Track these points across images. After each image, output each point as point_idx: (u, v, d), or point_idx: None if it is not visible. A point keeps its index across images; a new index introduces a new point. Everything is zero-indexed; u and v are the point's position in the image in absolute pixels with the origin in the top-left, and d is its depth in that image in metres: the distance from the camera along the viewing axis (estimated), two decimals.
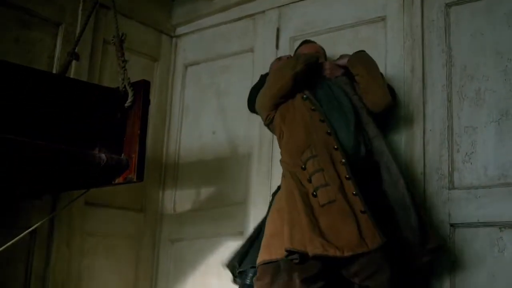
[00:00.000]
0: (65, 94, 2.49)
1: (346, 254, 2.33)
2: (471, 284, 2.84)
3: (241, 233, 3.57)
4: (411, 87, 3.19)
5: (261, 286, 2.54)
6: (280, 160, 2.83)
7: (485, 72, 3.01)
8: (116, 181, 2.59)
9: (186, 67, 4.34)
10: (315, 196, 2.50)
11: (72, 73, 3.47)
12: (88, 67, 3.67)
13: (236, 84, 4.02)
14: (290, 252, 2.40)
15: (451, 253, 2.90)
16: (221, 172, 3.96)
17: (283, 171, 2.77)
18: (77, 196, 2.88)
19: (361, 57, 2.98)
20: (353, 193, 2.49)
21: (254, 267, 2.73)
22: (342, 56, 3.09)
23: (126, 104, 2.62)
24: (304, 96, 2.84)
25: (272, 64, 3.35)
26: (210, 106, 4.14)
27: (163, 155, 4.28)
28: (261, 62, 3.85)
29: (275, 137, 3.64)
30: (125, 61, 2.72)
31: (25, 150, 2.21)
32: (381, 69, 3.28)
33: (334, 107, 2.82)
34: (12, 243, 2.62)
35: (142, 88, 2.67)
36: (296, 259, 2.39)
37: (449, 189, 2.98)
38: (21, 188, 2.93)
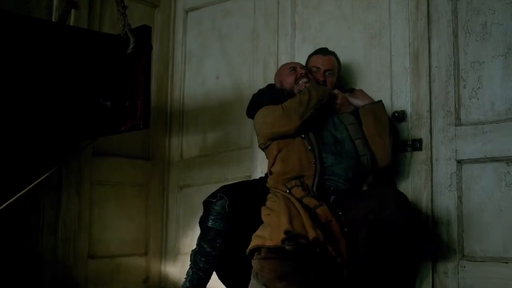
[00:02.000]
0: (66, 42, 2.46)
1: None
2: (479, 219, 2.86)
3: (248, 177, 3.59)
4: (416, 23, 3.13)
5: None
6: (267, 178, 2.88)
7: (492, 6, 2.94)
8: (123, 128, 2.58)
9: (186, 12, 4.27)
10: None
11: (71, 23, 3.44)
12: (87, 16, 3.62)
13: (238, 27, 3.97)
14: (286, 238, 2.31)
15: (458, 189, 2.92)
16: (226, 117, 3.96)
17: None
18: (85, 146, 2.88)
19: (375, 110, 2.90)
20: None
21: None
22: (356, 93, 3.02)
23: (128, 50, 2.59)
24: (303, 135, 2.81)
25: (279, 70, 3.25)
26: (212, 51, 4.10)
27: (167, 103, 4.27)
28: (263, 4, 3.79)
29: None
30: (124, 7, 2.67)
31: (29, 99, 2.20)
32: (385, 6, 3.26)
33: (336, 152, 2.80)
34: (22, 194, 2.64)
35: (144, 33, 2.64)
36: (292, 245, 2.31)
37: (456, 125, 2.97)
38: (28, 138, 2.93)
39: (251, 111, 3.01)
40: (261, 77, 3.74)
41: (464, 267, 2.87)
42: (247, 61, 3.87)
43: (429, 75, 3.07)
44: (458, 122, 2.97)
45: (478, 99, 2.93)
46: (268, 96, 2.99)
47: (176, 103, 4.25)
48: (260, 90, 3.16)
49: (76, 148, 3.13)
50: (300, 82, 3.00)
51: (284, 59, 3.63)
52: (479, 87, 2.94)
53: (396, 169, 3.12)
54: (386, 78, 3.23)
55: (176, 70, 4.29)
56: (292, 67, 3.10)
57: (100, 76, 2.55)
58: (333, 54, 3.17)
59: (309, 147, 2.75)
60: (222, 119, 3.98)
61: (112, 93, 2.54)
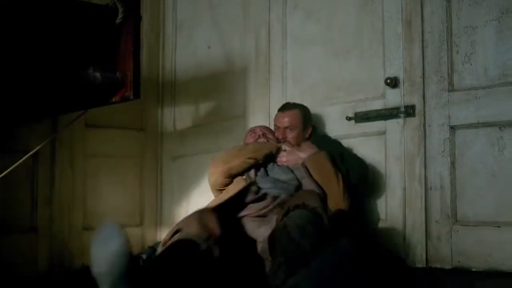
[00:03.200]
0: (54, 13, 2.42)
1: None
2: (472, 184, 2.87)
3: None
4: None
5: None
6: None
7: None
8: (113, 99, 2.57)
9: None
10: None
11: None
12: None
13: None
14: None
15: (451, 155, 2.93)
16: (218, 86, 3.94)
17: None
18: (76, 117, 2.87)
19: (317, 160, 2.90)
20: None
21: None
22: (302, 146, 3.02)
23: (117, 21, 2.56)
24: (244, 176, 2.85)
25: (245, 134, 3.30)
26: (203, 20, 4.06)
27: (159, 73, 4.25)
28: None
29: (271, 48, 3.63)
30: None
31: (18, 71, 2.17)
32: None
33: (275, 182, 2.81)
34: (16, 167, 2.63)
35: (133, 3, 2.60)
36: None
37: (449, 91, 2.96)
38: (19, 111, 2.91)
39: None
40: (253, 46, 3.71)
41: (457, 232, 2.89)
42: (238, 30, 3.83)
43: (422, 41, 3.04)
44: (451, 88, 2.96)
45: (471, 64, 2.92)
46: None
47: (168, 74, 4.22)
48: None
49: (67, 120, 3.10)
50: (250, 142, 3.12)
51: (276, 27, 3.61)
52: (472, 52, 2.92)
53: (389, 136, 3.12)
54: (379, 44, 3.21)
55: (167, 40, 4.25)
56: (252, 130, 3.23)
57: (89, 47, 2.52)
58: (296, 107, 3.20)
59: (248, 181, 2.79)
60: (214, 89, 3.96)
61: (102, 64, 2.51)
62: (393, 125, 3.11)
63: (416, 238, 2.97)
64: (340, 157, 2.96)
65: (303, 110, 3.22)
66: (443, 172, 2.94)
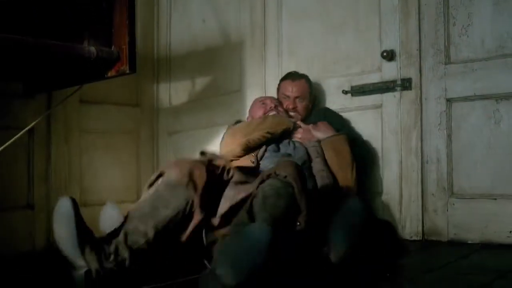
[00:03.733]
0: None
1: None
2: (469, 157, 2.88)
3: (238, 122, 3.57)
4: None
5: None
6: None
7: None
8: (109, 74, 2.54)
9: None
10: None
11: None
12: None
13: None
14: None
15: (448, 128, 2.93)
16: (214, 61, 3.91)
17: None
18: (71, 93, 2.84)
19: (334, 142, 2.87)
20: None
21: None
22: (319, 126, 2.98)
23: None
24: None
25: (251, 105, 3.24)
26: None
27: (154, 48, 4.22)
28: None
29: (266, 21, 3.61)
30: None
31: (12, 46, 2.14)
32: None
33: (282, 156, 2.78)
34: (11, 143, 2.62)
35: None
36: None
37: (446, 63, 2.95)
38: (13, 86, 2.89)
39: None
40: (248, 19, 3.68)
41: (453, 204, 2.90)
42: (233, 3, 3.79)
43: (419, 13, 3.02)
44: (448, 60, 2.95)
45: (468, 36, 2.90)
46: None
47: (163, 48, 4.20)
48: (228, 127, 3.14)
49: (62, 96, 3.08)
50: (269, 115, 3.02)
51: (271, 0, 3.57)
52: (469, 24, 2.90)
53: (385, 109, 3.12)
54: (375, 16, 3.18)
55: (162, 14, 4.21)
56: (262, 101, 3.14)
57: (83, 20, 2.49)
58: (303, 77, 3.18)
59: (254, 164, 2.76)
60: (209, 63, 3.94)
61: (97, 38, 2.48)
62: (389, 99, 3.11)
63: (412, 211, 2.99)
64: (353, 142, 2.94)
65: (308, 79, 3.21)
66: (440, 145, 2.94)
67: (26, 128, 2.77)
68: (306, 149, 2.84)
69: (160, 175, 2.20)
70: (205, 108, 3.90)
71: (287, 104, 3.12)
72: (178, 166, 2.19)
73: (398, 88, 3.07)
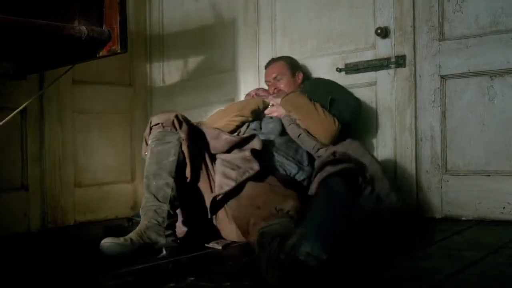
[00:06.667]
0: None
1: None
2: (463, 134, 2.88)
3: (232, 100, 3.57)
4: None
5: None
6: None
7: None
8: (100, 54, 2.52)
9: None
10: None
11: None
12: None
13: None
14: None
15: (442, 105, 2.93)
16: (207, 40, 3.88)
17: None
18: (63, 73, 2.82)
19: (289, 100, 2.86)
20: None
21: None
22: (278, 93, 3.01)
23: None
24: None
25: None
26: None
27: (146, 27, 4.18)
28: None
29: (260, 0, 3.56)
30: None
31: (2, 26, 2.12)
32: None
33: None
34: (4, 124, 2.60)
35: None
36: None
37: (440, 40, 2.94)
38: (3, 67, 2.87)
39: None
40: None
41: (447, 181, 2.91)
42: None
43: None
44: (442, 37, 2.94)
45: (462, 12, 2.89)
46: None
47: (155, 27, 4.16)
48: None
49: (54, 76, 3.06)
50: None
51: None
52: (463, 0, 2.89)
53: (379, 87, 3.11)
54: None
55: None
56: (248, 93, 3.23)
57: (74, 0, 2.46)
58: (280, 59, 3.22)
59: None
60: (203, 42, 3.91)
61: (88, 18, 2.45)
62: (383, 76, 3.10)
63: (407, 188, 2.99)
64: (330, 103, 2.90)
65: (287, 58, 3.23)
66: (434, 122, 2.95)
67: (18, 109, 2.75)
68: (280, 120, 2.84)
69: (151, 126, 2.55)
70: (198, 88, 3.89)
71: (270, 90, 3.14)
72: (164, 113, 2.59)
73: (392, 66, 3.06)
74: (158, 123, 2.52)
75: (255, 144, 2.56)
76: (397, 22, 3.04)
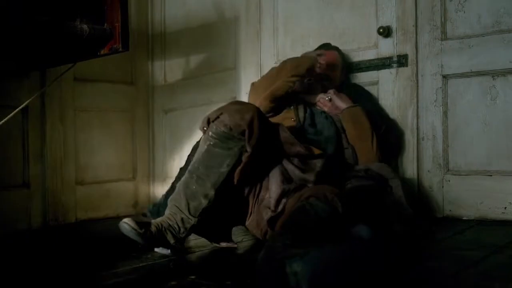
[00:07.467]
0: None
1: None
2: (464, 134, 2.88)
3: (233, 99, 3.56)
4: None
5: None
6: None
7: None
8: (102, 52, 2.52)
9: None
10: None
11: None
12: None
13: None
14: None
15: (444, 104, 2.92)
16: (209, 38, 3.88)
17: None
18: (64, 71, 2.82)
19: (353, 113, 2.81)
20: None
21: None
22: (341, 95, 2.91)
23: None
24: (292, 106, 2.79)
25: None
26: None
27: (148, 25, 4.18)
28: None
29: None
30: None
31: (4, 23, 2.12)
32: None
33: (315, 133, 2.73)
34: (6, 122, 2.60)
35: None
36: None
37: (442, 40, 2.93)
38: (5, 64, 2.87)
39: None
40: None
41: (449, 181, 2.91)
42: None
43: None
44: (444, 37, 2.93)
45: (464, 12, 2.88)
46: None
47: (157, 25, 4.16)
48: None
49: (56, 74, 3.06)
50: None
51: None
52: (466, 0, 2.88)
53: (381, 86, 3.11)
54: None
55: None
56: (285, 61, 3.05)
57: None
58: (333, 47, 3.14)
59: (293, 118, 2.74)
60: (204, 41, 3.91)
61: (89, 16, 2.45)
62: (385, 75, 3.09)
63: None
64: (378, 113, 2.90)
65: (340, 51, 3.17)
66: (435, 122, 2.94)
67: (20, 107, 2.75)
68: (335, 123, 2.80)
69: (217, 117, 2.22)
70: (200, 86, 3.88)
71: (319, 69, 2.99)
72: (237, 112, 2.20)
73: (394, 65, 3.05)
74: (227, 124, 2.18)
75: (317, 165, 2.39)
76: (399, 21, 3.03)
